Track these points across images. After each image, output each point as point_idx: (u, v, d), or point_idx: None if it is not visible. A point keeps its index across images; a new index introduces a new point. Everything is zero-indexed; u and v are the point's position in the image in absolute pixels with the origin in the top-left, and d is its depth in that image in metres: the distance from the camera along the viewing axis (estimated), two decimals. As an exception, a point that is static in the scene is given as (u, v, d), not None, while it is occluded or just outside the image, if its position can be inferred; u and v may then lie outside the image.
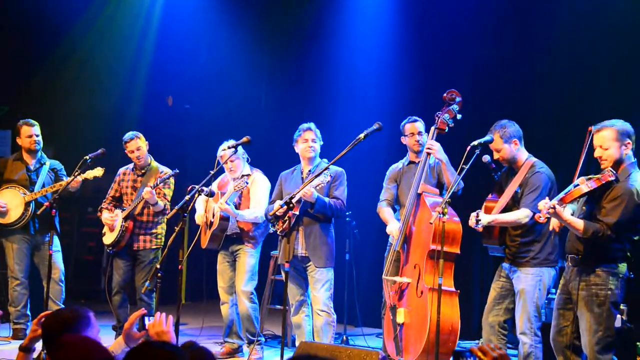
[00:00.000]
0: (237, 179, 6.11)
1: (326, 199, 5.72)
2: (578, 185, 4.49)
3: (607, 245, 4.51)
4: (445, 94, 5.60)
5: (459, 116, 5.54)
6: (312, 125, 5.94)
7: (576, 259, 4.65)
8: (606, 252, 4.54)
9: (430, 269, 5.25)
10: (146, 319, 3.32)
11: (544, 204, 4.44)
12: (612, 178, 4.44)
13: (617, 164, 4.54)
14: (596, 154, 4.62)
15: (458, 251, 5.30)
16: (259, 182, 6.27)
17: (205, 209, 6.30)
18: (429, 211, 5.29)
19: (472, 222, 4.97)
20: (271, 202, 5.99)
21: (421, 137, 5.74)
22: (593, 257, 4.56)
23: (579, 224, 4.49)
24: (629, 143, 4.55)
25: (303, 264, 5.86)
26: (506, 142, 5.14)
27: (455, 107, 5.55)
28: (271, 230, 6.04)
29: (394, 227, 5.60)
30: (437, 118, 5.56)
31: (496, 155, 5.19)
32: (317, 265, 5.77)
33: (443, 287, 4.94)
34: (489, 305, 5.26)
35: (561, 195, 4.52)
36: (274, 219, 5.77)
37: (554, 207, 4.39)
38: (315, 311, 5.82)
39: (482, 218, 4.93)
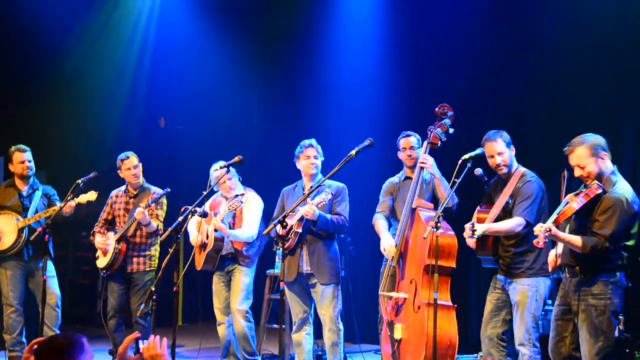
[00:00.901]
0: (230, 199, 6.10)
1: (328, 216, 5.73)
2: (568, 203, 4.51)
3: (607, 257, 4.51)
4: (437, 109, 5.61)
5: (451, 130, 5.56)
6: (313, 141, 5.95)
7: (574, 271, 4.64)
8: (604, 262, 4.53)
9: (427, 284, 5.23)
10: (140, 342, 3.29)
11: (540, 229, 4.44)
12: (600, 191, 4.47)
13: (599, 177, 4.56)
14: (576, 173, 4.63)
15: (454, 265, 5.28)
16: (252, 202, 6.27)
17: (198, 230, 6.28)
18: (423, 226, 5.28)
19: (467, 233, 4.97)
20: (273, 219, 5.98)
21: (414, 152, 5.74)
22: (591, 267, 4.55)
23: (578, 241, 4.50)
24: (604, 154, 4.56)
25: (308, 281, 5.85)
26: (507, 147, 5.18)
27: (448, 121, 5.57)
28: (274, 249, 6.04)
29: (387, 244, 5.59)
30: (429, 132, 5.57)
31: (498, 160, 5.16)
32: (321, 282, 5.77)
33: (440, 302, 4.92)
34: (486, 318, 5.25)
35: (554, 216, 4.53)
36: (277, 239, 5.75)
37: (549, 230, 4.40)
38: (324, 330, 5.82)
39: (477, 228, 4.93)
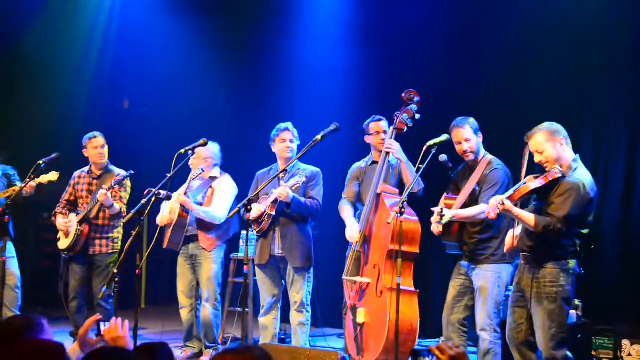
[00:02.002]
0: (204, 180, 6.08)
1: (302, 199, 5.73)
2: (526, 182, 4.57)
3: (556, 242, 4.57)
4: (403, 94, 5.62)
5: (417, 116, 5.56)
6: (289, 125, 5.94)
7: (527, 256, 4.71)
8: (556, 248, 4.59)
9: (390, 269, 5.27)
10: (102, 324, 3.27)
11: (494, 200, 4.50)
12: (559, 175, 4.54)
13: (558, 162, 4.62)
14: (536, 159, 4.70)
15: (417, 251, 5.32)
16: (225, 184, 6.26)
17: (170, 210, 6.24)
18: (387, 211, 5.31)
19: (435, 218, 4.99)
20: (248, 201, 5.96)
21: (386, 136, 5.75)
22: (543, 253, 4.62)
23: (530, 218, 4.56)
24: (562, 139, 4.63)
25: (280, 264, 5.86)
26: (475, 134, 5.21)
27: (414, 106, 5.57)
28: (251, 232, 6.03)
29: (352, 231, 5.60)
30: (395, 118, 5.58)
31: (465, 146, 5.18)
32: (293, 265, 5.78)
33: (402, 287, 4.96)
34: (448, 303, 5.31)
35: (510, 192, 4.59)
36: (251, 221, 5.75)
37: (503, 203, 4.46)
38: (291, 311, 5.84)
39: (445, 213, 4.95)
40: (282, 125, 5.94)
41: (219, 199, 6.19)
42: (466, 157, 5.26)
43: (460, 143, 5.22)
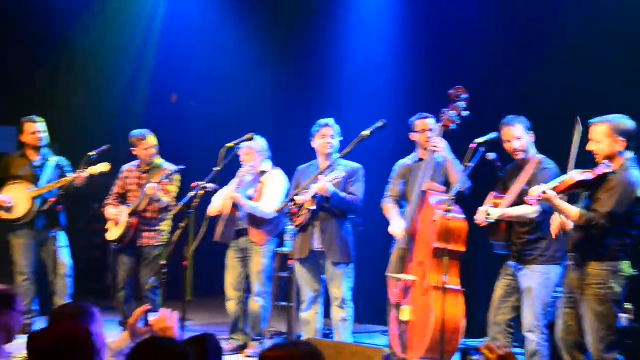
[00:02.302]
0: (256, 174, 6.16)
1: (342, 194, 5.73)
2: (572, 175, 4.50)
3: (600, 240, 4.48)
4: (451, 91, 5.57)
5: (465, 113, 5.49)
6: (330, 121, 5.94)
7: (574, 257, 4.64)
8: (600, 247, 4.51)
9: (435, 267, 5.24)
10: (150, 314, 3.33)
11: (536, 189, 4.43)
12: (608, 170, 4.44)
13: (610, 159, 4.53)
14: (589, 146, 4.61)
15: (463, 249, 5.28)
16: (275, 179, 6.27)
17: (222, 204, 6.30)
18: (433, 209, 5.28)
19: (481, 217, 4.94)
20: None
21: (432, 134, 5.69)
22: (592, 255, 4.54)
23: (574, 211, 4.48)
24: (622, 141, 4.52)
25: (319, 259, 5.87)
26: (526, 132, 5.14)
27: (462, 104, 5.50)
28: (289, 227, 6.07)
29: (396, 228, 5.57)
30: (442, 115, 5.53)
31: (515, 144, 5.11)
32: (333, 260, 5.79)
33: (448, 286, 4.94)
34: (494, 303, 5.25)
35: (554, 183, 4.51)
36: (291, 215, 5.78)
37: (544, 192, 4.39)
38: (332, 307, 5.85)
39: (491, 212, 4.90)
40: (323, 121, 5.94)
41: (269, 193, 6.22)
42: (516, 155, 5.18)
43: (510, 141, 5.15)
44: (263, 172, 6.33)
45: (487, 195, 5.31)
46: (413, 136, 5.81)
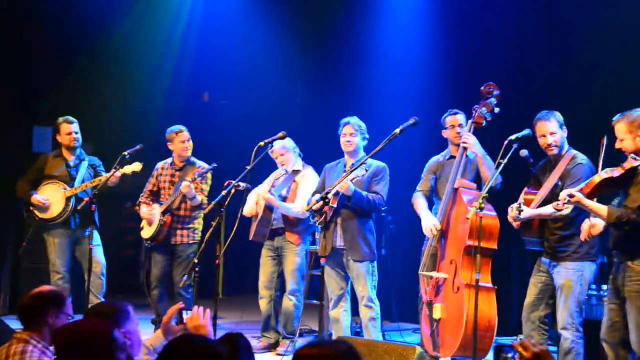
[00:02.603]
0: (283, 175, 6.18)
1: (364, 193, 5.72)
2: (598, 173, 4.45)
3: (636, 236, 4.41)
4: (482, 87, 5.55)
5: (496, 110, 5.48)
6: (352, 119, 5.93)
7: (618, 255, 4.57)
8: (638, 242, 4.44)
9: (467, 265, 5.21)
10: (184, 312, 3.36)
11: (563, 193, 4.40)
12: (636, 164, 4.38)
13: (636, 153, 4.46)
14: (617, 145, 4.58)
15: (495, 247, 5.24)
16: (308, 179, 6.31)
17: (256, 202, 6.34)
18: (465, 206, 5.25)
19: (512, 214, 4.90)
20: (314, 194, 5.99)
21: (462, 130, 5.65)
22: (631, 251, 4.48)
23: (603, 209, 4.43)
24: None
25: (342, 257, 5.86)
26: (560, 128, 5.09)
27: (493, 100, 5.49)
28: (311, 222, 6.09)
29: (430, 223, 5.54)
30: (474, 112, 5.51)
31: (549, 139, 5.06)
32: (354, 259, 5.77)
33: (480, 283, 4.90)
34: (528, 300, 5.20)
35: (581, 185, 4.47)
36: (314, 212, 5.79)
37: (572, 195, 4.35)
38: (360, 306, 5.85)
39: (523, 209, 4.85)
40: (344, 119, 5.96)
41: (303, 193, 6.24)
42: (550, 150, 5.13)
43: (544, 136, 5.10)
44: (297, 172, 6.34)
45: (520, 192, 5.27)
46: (444, 133, 5.79)
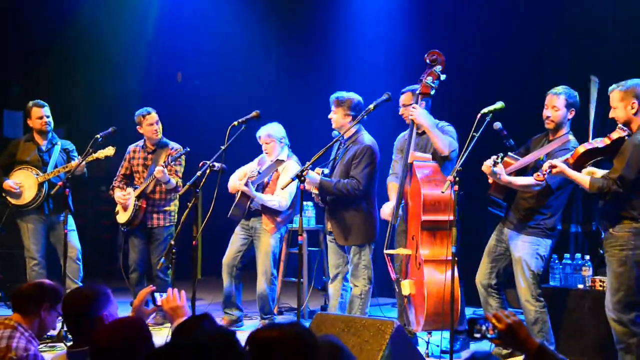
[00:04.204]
0: (264, 165, 6.17)
1: (331, 184, 5.59)
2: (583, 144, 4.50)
3: (625, 205, 4.47)
4: (426, 56, 5.43)
5: (442, 77, 5.36)
6: (331, 97, 5.81)
7: (605, 223, 4.64)
8: (625, 210, 4.49)
9: (424, 240, 5.22)
10: (158, 295, 3.36)
11: (546, 164, 4.44)
12: (624, 134, 4.42)
13: (627, 123, 4.51)
14: (610, 114, 4.62)
15: (452, 217, 5.18)
16: (289, 171, 6.17)
17: (239, 178, 6.30)
18: (418, 182, 5.23)
19: (489, 162, 4.85)
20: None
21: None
22: (614, 218, 4.54)
23: (585, 180, 4.48)
24: (634, 102, 4.49)
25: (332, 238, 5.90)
26: (567, 107, 5.03)
27: (438, 67, 5.36)
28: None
29: (384, 210, 5.58)
30: (419, 82, 5.41)
31: (549, 112, 5.01)
32: (339, 242, 5.77)
33: (441, 257, 4.96)
34: (482, 268, 5.29)
35: (566, 155, 4.51)
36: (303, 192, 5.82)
37: (554, 166, 4.38)
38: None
39: (500, 173, 4.83)
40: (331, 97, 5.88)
41: (282, 183, 6.20)
42: (547, 124, 5.09)
43: (547, 108, 5.07)
44: (280, 161, 6.28)
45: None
46: (401, 111, 5.72)
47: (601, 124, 5.19)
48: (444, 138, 5.32)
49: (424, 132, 5.52)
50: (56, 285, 3.67)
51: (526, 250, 5.07)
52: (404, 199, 5.48)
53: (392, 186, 5.68)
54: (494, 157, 4.85)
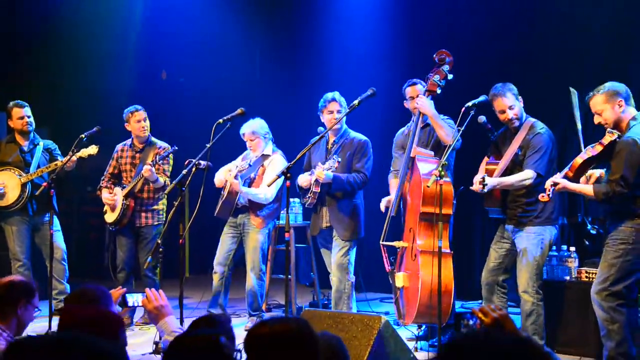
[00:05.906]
0: (249, 160, 6.16)
1: (343, 176, 5.77)
2: (579, 155, 4.54)
3: (631, 201, 4.49)
4: (434, 55, 5.52)
5: (450, 76, 5.44)
6: (336, 95, 5.92)
7: (610, 224, 4.67)
8: (632, 207, 4.52)
9: (422, 232, 5.28)
10: (128, 296, 3.39)
11: (547, 183, 4.49)
12: (615, 137, 4.45)
13: (617, 124, 4.54)
14: (596, 120, 4.65)
15: (450, 212, 5.27)
16: (275, 165, 6.18)
17: (225, 174, 6.29)
18: (419, 176, 5.27)
19: (476, 186, 4.93)
20: (303, 171, 6.09)
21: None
22: (622, 214, 4.57)
23: (589, 189, 4.52)
24: (620, 101, 4.54)
25: (329, 234, 5.97)
26: (516, 99, 5.12)
27: (446, 67, 5.45)
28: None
29: (383, 201, 5.70)
30: (427, 80, 5.50)
31: (510, 114, 5.09)
32: (341, 237, 5.88)
33: (437, 249, 4.98)
34: (488, 265, 5.30)
35: (565, 170, 4.55)
36: (302, 192, 5.91)
37: (556, 183, 4.44)
38: (331, 278, 5.96)
39: (487, 181, 4.89)
40: (329, 95, 5.94)
41: (268, 180, 6.21)
42: (511, 124, 5.15)
43: (504, 112, 5.12)
44: (266, 156, 6.29)
45: (481, 161, 5.31)
46: (406, 104, 5.78)
47: (592, 130, 5.21)
48: (448, 127, 5.36)
49: (425, 126, 5.61)
50: (26, 279, 3.60)
51: (531, 240, 5.09)
52: (403, 196, 5.53)
53: (392, 183, 5.80)
54: (478, 179, 4.90)
